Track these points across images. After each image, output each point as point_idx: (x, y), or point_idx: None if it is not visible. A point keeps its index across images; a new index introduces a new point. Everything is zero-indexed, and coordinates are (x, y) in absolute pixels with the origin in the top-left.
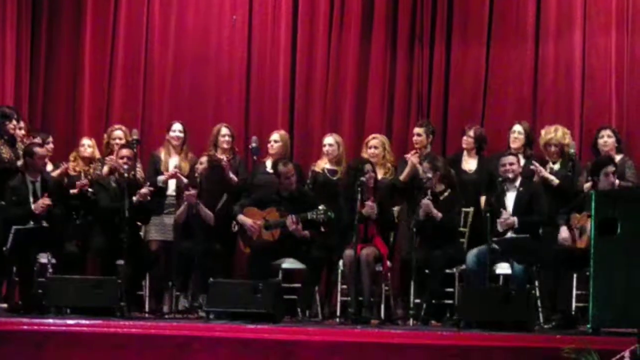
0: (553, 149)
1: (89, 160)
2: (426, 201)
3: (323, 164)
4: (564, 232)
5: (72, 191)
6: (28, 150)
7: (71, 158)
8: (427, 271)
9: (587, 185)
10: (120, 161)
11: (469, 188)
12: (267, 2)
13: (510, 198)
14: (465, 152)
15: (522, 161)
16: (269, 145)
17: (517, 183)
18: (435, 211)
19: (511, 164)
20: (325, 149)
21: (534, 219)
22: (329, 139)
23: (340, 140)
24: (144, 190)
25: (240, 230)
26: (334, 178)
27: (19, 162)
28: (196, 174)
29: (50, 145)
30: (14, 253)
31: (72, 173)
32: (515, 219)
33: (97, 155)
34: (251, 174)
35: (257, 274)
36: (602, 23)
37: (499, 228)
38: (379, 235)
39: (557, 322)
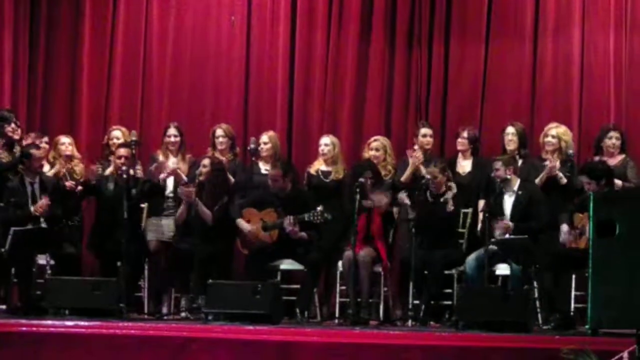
0: (550, 139)
1: (69, 159)
2: (402, 195)
3: (318, 165)
4: (564, 234)
5: (68, 184)
6: (25, 153)
7: (50, 158)
8: (425, 272)
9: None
10: (118, 161)
11: (464, 190)
12: (266, 3)
13: (508, 201)
14: (460, 154)
15: (519, 161)
16: (259, 148)
17: (516, 187)
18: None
19: (496, 169)
20: (320, 148)
21: (532, 225)
22: (325, 139)
23: (336, 141)
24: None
25: (239, 231)
26: (327, 180)
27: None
28: (201, 177)
29: (44, 145)
30: (13, 254)
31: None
32: (511, 224)
33: (76, 153)
34: (246, 176)
35: (255, 275)
36: (600, 21)
37: (496, 234)
38: (381, 238)
39: (555, 322)
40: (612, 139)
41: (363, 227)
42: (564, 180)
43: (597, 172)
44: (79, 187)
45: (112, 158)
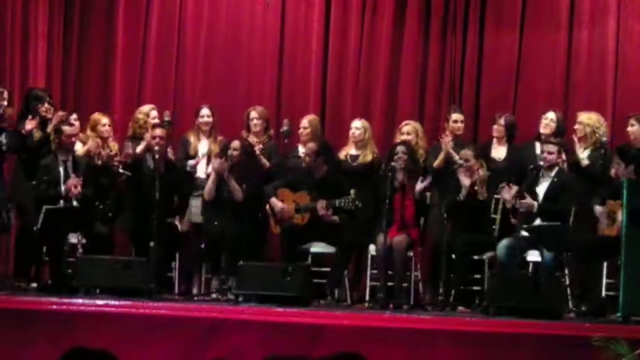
0: (576, 126)
1: (105, 140)
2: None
3: (348, 150)
4: (602, 217)
5: (100, 159)
6: (56, 129)
7: (84, 137)
8: (453, 256)
9: (613, 170)
10: (153, 141)
11: (498, 176)
12: None
13: (542, 187)
14: (495, 140)
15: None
16: (299, 132)
17: (553, 173)
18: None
19: (550, 152)
20: (351, 132)
21: (557, 207)
22: (357, 123)
23: (367, 125)
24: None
25: (272, 210)
26: (355, 164)
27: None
28: (232, 161)
29: (75, 123)
30: (45, 233)
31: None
32: (535, 203)
33: (112, 133)
34: (283, 157)
35: (286, 257)
36: (636, 10)
37: (519, 208)
38: (414, 226)
39: (587, 310)
40: (628, 126)
41: (397, 212)
42: (585, 162)
43: (627, 154)
44: (119, 165)
45: (146, 136)
